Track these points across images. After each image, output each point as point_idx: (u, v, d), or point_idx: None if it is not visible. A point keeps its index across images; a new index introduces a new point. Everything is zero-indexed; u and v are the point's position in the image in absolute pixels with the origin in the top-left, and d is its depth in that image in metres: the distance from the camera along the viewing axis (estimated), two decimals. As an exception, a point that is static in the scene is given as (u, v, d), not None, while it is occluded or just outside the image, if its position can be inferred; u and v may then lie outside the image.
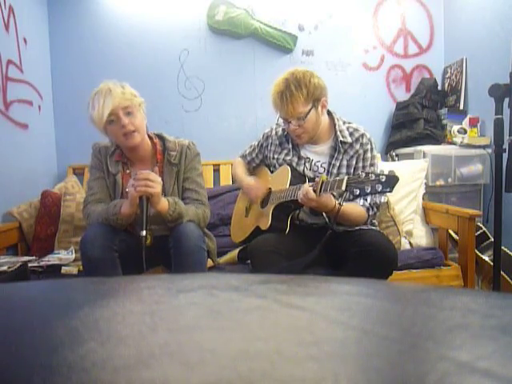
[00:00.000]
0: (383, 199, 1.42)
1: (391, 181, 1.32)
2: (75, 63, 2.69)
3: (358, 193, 1.35)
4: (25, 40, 2.29)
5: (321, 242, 1.53)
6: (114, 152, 1.67)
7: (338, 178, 1.43)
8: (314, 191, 1.47)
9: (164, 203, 1.52)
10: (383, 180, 1.32)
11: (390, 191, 1.34)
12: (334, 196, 1.53)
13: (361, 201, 1.65)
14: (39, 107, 2.46)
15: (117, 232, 1.55)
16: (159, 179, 1.49)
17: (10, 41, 2.13)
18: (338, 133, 1.70)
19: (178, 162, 1.65)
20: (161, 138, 1.71)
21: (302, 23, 2.85)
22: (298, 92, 1.59)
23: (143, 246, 1.45)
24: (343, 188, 1.37)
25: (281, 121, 1.76)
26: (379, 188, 1.32)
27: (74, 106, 2.68)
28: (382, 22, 2.91)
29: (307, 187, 1.49)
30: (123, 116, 1.51)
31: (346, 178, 1.39)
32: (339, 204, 1.47)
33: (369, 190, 1.33)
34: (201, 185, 1.69)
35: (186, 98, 2.77)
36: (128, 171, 1.67)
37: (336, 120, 1.73)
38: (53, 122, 2.68)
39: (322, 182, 1.47)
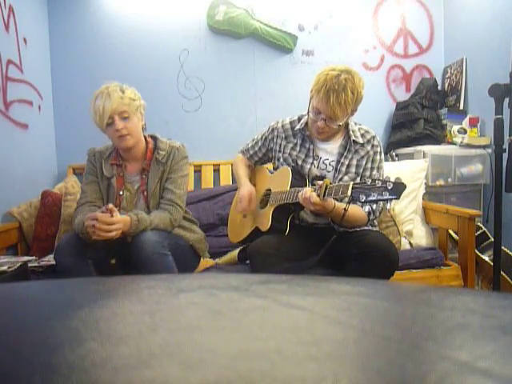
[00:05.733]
0: (389, 206, 1.39)
1: (398, 188, 1.28)
2: (75, 63, 2.69)
3: (363, 199, 1.31)
4: (25, 40, 2.29)
5: (324, 247, 1.51)
6: (110, 155, 1.74)
7: (342, 183, 1.40)
8: (318, 195, 1.45)
9: (126, 224, 1.53)
10: (390, 187, 1.28)
11: (397, 199, 1.30)
12: (336, 200, 1.49)
13: (366, 206, 1.63)
14: (39, 107, 2.46)
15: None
16: (120, 222, 1.50)
17: (10, 41, 2.13)
18: (351, 132, 1.69)
19: (165, 161, 1.71)
20: (154, 138, 1.78)
21: (302, 23, 2.85)
22: (351, 100, 1.53)
23: (115, 273, 1.58)
24: (349, 193, 1.34)
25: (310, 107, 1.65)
26: (386, 195, 1.29)
27: (74, 106, 2.68)
28: (382, 21, 2.91)
29: (310, 191, 1.47)
30: (118, 121, 1.59)
31: (351, 183, 1.36)
32: (344, 209, 1.44)
33: (375, 197, 1.30)
34: (180, 186, 1.72)
35: (186, 97, 2.77)
36: (121, 174, 1.73)
37: (349, 120, 1.71)
38: (53, 122, 2.68)
39: (326, 186, 1.44)
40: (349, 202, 1.40)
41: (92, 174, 1.73)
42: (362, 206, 1.53)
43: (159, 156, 1.70)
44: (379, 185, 1.30)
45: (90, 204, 1.70)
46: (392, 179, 1.32)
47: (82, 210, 1.67)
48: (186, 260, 1.71)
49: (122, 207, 1.70)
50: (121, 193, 1.69)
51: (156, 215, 1.64)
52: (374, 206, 1.62)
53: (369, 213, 1.64)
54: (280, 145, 1.79)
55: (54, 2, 2.65)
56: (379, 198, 1.30)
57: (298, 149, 1.75)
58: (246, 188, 1.81)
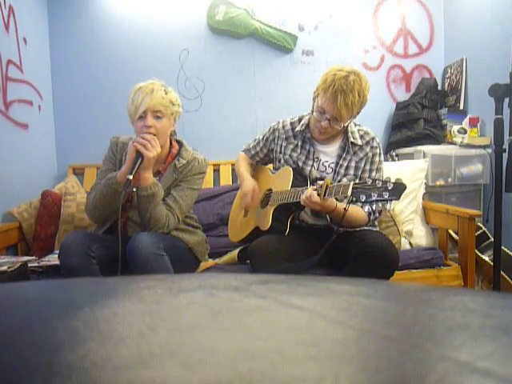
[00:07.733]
0: (389, 207, 1.38)
1: (398, 189, 1.29)
2: (75, 63, 2.69)
3: (363, 199, 1.31)
4: (25, 40, 2.29)
5: (324, 247, 1.51)
6: None
7: (343, 183, 1.40)
8: (318, 195, 1.45)
9: (149, 178, 1.57)
10: (390, 188, 1.28)
11: (397, 199, 1.30)
12: (337, 200, 1.49)
13: (366, 206, 1.63)
14: (39, 107, 2.46)
15: (95, 239, 1.57)
16: (158, 148, 1.56)
17: (10, 41, 2.13)
18: (350, 134, 1.69)
19: (182, 171, 1.69)
20: (180, 144, 1.75)
21: (302, 23, 2.85)
22: (358, 103, 1.54)
23: (126, 188, 1.52)
24: (349, 193, 1.34)
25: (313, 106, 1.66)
26: (386, 195, 1.29)
27: (74, 105, 2.68)
28: (382, 22, 2.91)
29: (311, 190, 1.47)
30: (150, 117, 1.58)
31: (351, 183, 1.35)
32: (344, 209, 1.43)
33: (375, 197, 1.30)
34: (185, 198, 1.69)
35: (186, 97, 2.77)
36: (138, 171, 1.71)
37: None
38: (53, 122, 2.67)
39: (327, 186, 1.44)
40: (349, 203, 1.40)
41: (111, 162, 1.71)
42: (362, 206, 1.53)
43: (178, 163, 1.68)
44: (379, 185, 1.30)
45: None
46: (392, 180, 1.32)
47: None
48: (183, 262, 1.69)
49: (133, 203, 1.68)
50: (134, 189, 1.67)
51: (163, 207, 1.63)
52: (374, 207, 1.62)
53: (369, 213, 1.64)
54: (281, 146, 1.79)
55: (54, 2, 2.64)
56: (379, 198, 1.30)
57: (298, 150, 1.75)
58: (248, 183, 1.81)
